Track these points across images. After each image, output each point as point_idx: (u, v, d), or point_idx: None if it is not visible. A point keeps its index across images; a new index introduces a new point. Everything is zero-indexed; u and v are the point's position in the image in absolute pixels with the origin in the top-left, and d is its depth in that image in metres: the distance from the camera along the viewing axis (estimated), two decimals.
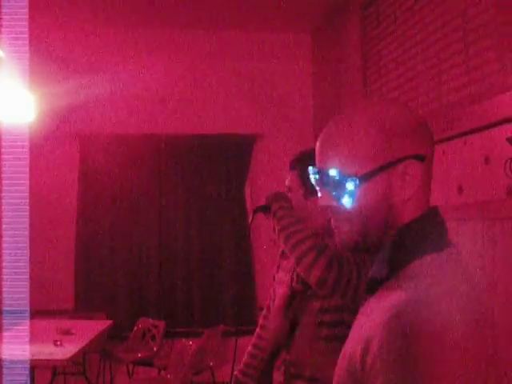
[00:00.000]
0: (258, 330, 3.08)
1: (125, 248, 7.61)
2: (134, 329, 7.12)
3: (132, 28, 7.63)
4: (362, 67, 5.94)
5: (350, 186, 1.40)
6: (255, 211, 2.87)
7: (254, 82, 7.88)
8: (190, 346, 6.29)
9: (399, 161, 1.40)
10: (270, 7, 7.05)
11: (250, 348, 3.07)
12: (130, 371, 6.97)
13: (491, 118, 3.64)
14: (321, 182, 1.47)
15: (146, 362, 6.75)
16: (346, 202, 1.42)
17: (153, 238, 7.65)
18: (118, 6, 6.98)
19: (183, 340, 6.66)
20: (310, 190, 2.76)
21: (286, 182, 2.91)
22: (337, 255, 2.40)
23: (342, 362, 1.41)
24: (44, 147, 7.47)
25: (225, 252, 7.74)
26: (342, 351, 1.44)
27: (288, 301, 2.69)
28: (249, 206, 7.84)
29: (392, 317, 1.26)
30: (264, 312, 3.08)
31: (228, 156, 7.81)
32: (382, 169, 1.39)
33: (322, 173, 1.46)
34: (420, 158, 1.41)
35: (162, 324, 6.99)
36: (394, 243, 1.42)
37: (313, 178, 1.51)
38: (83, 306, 7.38)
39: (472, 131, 3.80)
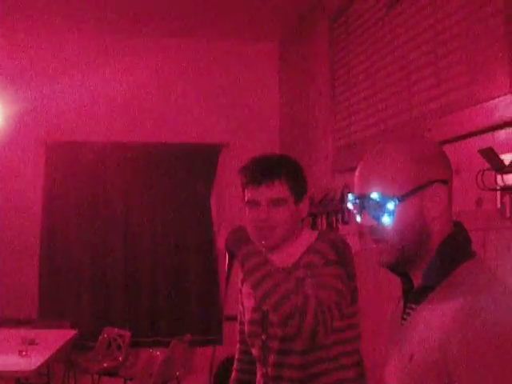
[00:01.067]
0: (238, 345, 3.11)
1: (90, 257, 7.56)
2: (99, 338, 7.06)
3: (100, 36, 7.60)
4: (330, 78, 5.95)
5: (390, 206, 1.64)
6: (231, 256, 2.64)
7: (221, 91, 7.88)
8: (157, 355, 6.26)
9: (429, 184, 1.65)
10: (238, 16, 7.06)
11: (236, 364, 3.11)
12: (96, 382, 6.91)
13: (461, 130, 3.67)
14: (361, 205, 1.71)
15: (112, 372, 6.70)
16: (386, 220, 1.65)
17: (118, 246, 7.61)
18: (85, 14, 6.95)
19: (149, 350, 6.63)
20: (300, 196, 2.73)
21: (272, 195, 2.66)
22: (318, 301, 2.36)
23: (401, 365, 1.64)
24: (9, 154, 7.40)
25: (191, 261, 7.73)
26: (396, 354, 1.69)
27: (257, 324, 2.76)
28: (214, 215, 7.83)
29: (468, 318, 1.46)
30: (238, 327, 3.08)
31: (194, 165, 7.80)
32: (415, 191, 1.65)
33: (364, 197, 1.69)
34: (444, 182, 1.67)
35: (127, 334, 6.94)
36: (439, 255, 1.65)
37: (351, 203, 1.74)
38: (48, 315, 7.31)
39: (442, 143, 3.82)
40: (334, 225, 5.61)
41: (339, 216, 5.48)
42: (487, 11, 3.46)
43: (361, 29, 5.27)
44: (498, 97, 3.34)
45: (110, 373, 6.72)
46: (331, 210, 5.67)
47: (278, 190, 2.67)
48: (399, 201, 1.64)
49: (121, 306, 7.56)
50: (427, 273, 1.65)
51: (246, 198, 2.71)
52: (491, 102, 3.40)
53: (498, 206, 3.28)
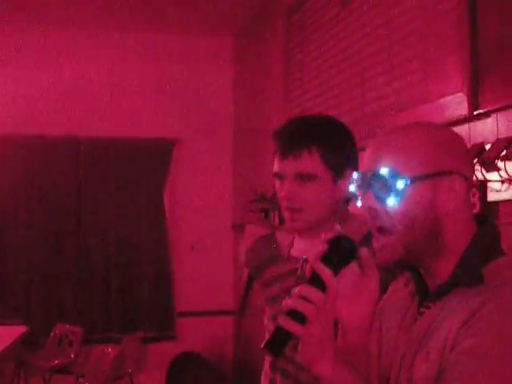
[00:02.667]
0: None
1: (41, 253, 7.47)
2: (50, 335, 6.98)
3: (50, 29, 7.50)
4: (284, 73, 5.95)
5: (399, 185, 1.45)
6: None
7: (175, 85, 7.84)
8: (109, 352, 6.21)
9: (448, 173, 1.47)
10: (192, 11, 7.03)
11: None
12: (47, 379, 6.83)
13: None
14: (367, 182, 1.51)
15: (63, 370, 6.62)
16: (392, 202, 1.47)
17: (70, 242, 7.54)
18: (37, 6, 6.85)
19: (101, 346, 6.57)
20: (340, 172, 2.17)
21: (296, 169, 2.17)
22: None
23: (418, 363, 1.46)
24: None
25: (144, 257, 7.68)
26: (419, 353, 1.48)
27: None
28: (168, 211, 7.80)
29: (490, 314, 1.34)
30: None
31: (147, 160, 7.76)
32: (431, 176, 1.46)
33: (372, 172, 1.50)
34: (465, 177, 1.49)
35: (79, 330, 6.87)
36: (469, 250, 1.48)
37: (355, 181, 1.54)
38: None
39: None
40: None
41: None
42: (440, 9, 3.49)
43: (315, 25, 5.28)
44: (451, 95, 3.37)
45: (62, 370, 6.64)
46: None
47: (307, 162, 2.15)
48: (411, 182, 1.45)
49: (73, 302, 7.49)
50: (458, 271, 1.47)
51: (273, 169, 2.24)
52: (443, 99, 3.43)
53: None
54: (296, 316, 1.40)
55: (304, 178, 2.17)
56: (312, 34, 5.36)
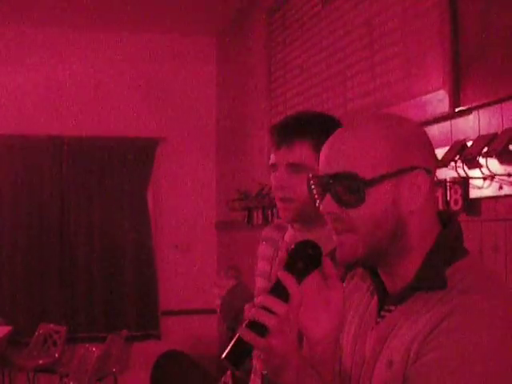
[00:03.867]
0: None
1: (25, 251, 7.44)
2: (34, 334, 6.96)
3: (34, 27, 7.47)
4: (267, 72, 5.96)
5: (358, 189, 1.40)
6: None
7: (158, 85, 7.83)
8: (93, 351, 6.20)
9: (409, 170, 1.41)
10: (175, 10, 7.02)
11: None
12: (31, 379, 6.81)
13: None
14: (324, 186, 1.46)
15: (48, 369, 6.60)
16: (352, 206, 1.41)
17: (54, 241, 7.52)
18: (20, 6, 6.82)
19: (86, 345, 6.56)
20: None
21: (289, 159, 2.25)
22: None
23: (377, 371, 1.43)
24: None
25: (127, 256, 7.68)
26: (369, 358, 1.46)
27: None
28: (151, 210, 7.80)
29: (462, 320, 1.30)
30: None
31: (130, 159, 7.75)
32: (392, 175, 1.40)
33: (329, 176, 1.44)
34: (427, 171, 1.43)
35: (63, 329, 6.86)
36: (432, 252, 1.43)
37: (313, 184, 1.50)
38: None
39: None
40: (270, 219, 5.63)
41: (275, 210, 5.50)
42: (421, 7, 3.51)
43: (297, 23, 5.29)
44: (432, 92, 3.39)
45: (46, 369, 6.62)
46: (267, 204, 5.69)
47: (298, 153, 2.24)
48: (370, 184, 1.39)
49: (57, 301, 7.46)
50: (421, 274, 1.42)
51: (269, 162, 2.32)
52: (425, 96, 3.45)
53: None
54: (257, 327, 1.34)
55: (295, 168, 2.23)
56: (294, 32, 5.37)
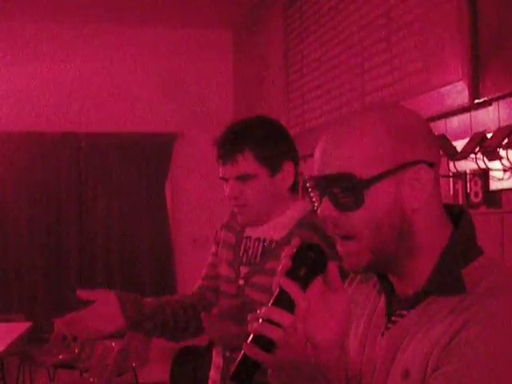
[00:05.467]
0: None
1: (43, 248, 7.47)
2: (54, 330, 6.97)
3: (50, 23, 7.48)
4: (284, 65, 5.94)
5: (357, 190, 1.30)
6: None
7: (175, 79, 7.82)
8: (113, 347, 6.20)
9: (409, 165, 1.31)
10: (191, 3, 7.00)
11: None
12: (51, 375, 6.83)
13: None
14: (322, 189, 1.36)
15: (68, 365, 6.60)
16: (352, 209, 1.32)
17: (73, 237, 7.54)
18: (34, 1, 6.83)
19: (105, 341, 6.56)
20: (275, 167, 2.41)
21: (235, 173, 2.40)
22: None
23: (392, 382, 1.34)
24: None
25: (146, 251, 7.69)
26: (381, 367, 1.38)
27: None
28: (169, 204, 7.80)
29: (487, 325, 1.22)
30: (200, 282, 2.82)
31: (148, 155, 7.76)
32: (392, 172, 1.30)
33: (325, 178, 1.34)
34: (430, 165, 1.33)
35: None
36: (447, 252, 1.34)
37: (310, 186, 1.41)
38: (0, 308, 7.20)
39: None
40: None
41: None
42: None
43: (315, 16, 5.27)
44: (451, 83, 3.36)
45: (66, 365, 6.63)
46: None
47: (243, 165, 2.38)
48: (368, 184, 1.29)
49: (76, 297, 7.46)
50: (436, 277, 1.33)
51: (219, 174, 2.49)
52: (444, 88, 3.42)
53: (451, 192, 3.30)
54: (263, 342, 1.25)
55: (243, 178, 2.39)
56: (311, 25, 5.34)
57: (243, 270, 2.49)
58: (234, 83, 7.97)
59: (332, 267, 1.33)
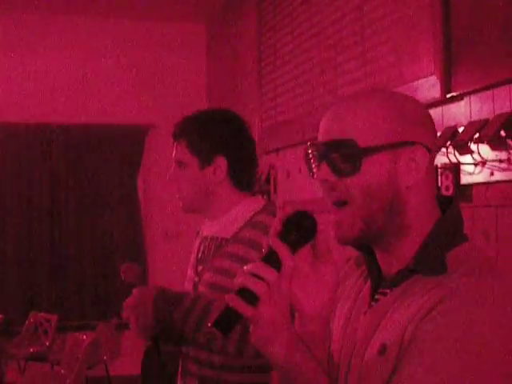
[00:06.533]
0: None
1: (15, 240, 7.42)
2: (25, 323, 6.95)
3: (22, 13, 7.42)
4: (257, 59, 5.94)
5: (356, 157, 1.36)
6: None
7: (147, 72, 7.80)
8: (84, 339, 6.18)
9: (409, 144, 1.38)
10: None
11: None
12: (22, 367, 6.80)
13: None
14: (322, 154, 1.41)
15: (39, 357, 6.60)
16: (349, 174, 1.37)
17: (44, 230, 7.50)
18: None
19: (76, 334, 6.54)
20: (205, 159, 2.43)
21: (174, 156, 2.48)
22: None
23: (368, 357, 1.37)
24: None
25: (117, 244, 7.66)
26: (359, 343, 1.42)
27: None
28: (141, 196, 7.78)
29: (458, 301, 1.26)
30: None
31: (120, 147, 7.74)
32: (391, 146, 1.37)
33: (326, 144, 1.41)
34: (428, 149, 1.40)
35: (54, 317, 6.84)
36: (432, 235, 1.39)
37: (311, 153, 1.45)
38: None
39: None
40: None
41: (265, 197, 5.48)
42: None
43: (288, 9, 5.27)
44: (423, 77, 3.38)
45: (37, 358, 6.62)
46: (257, 190, 5.67)
47: (179, 151, 2.47)
48: (367, 152, 1.36)
49: (47, 289, 7.45)
50: (420, 257, 1.38)
51: None
52: (416, 82, 3.44)
53: None
54: (247, 295, 1.28)
55: (178, 164, 2.47)
56: (285, 18, 5.34)
57: (199, 268, 2.50)
58: (207, 76, 7.96)
59: (322, 237, 1.39)
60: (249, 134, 2.56)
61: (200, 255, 2.54)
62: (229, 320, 1.30)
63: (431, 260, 1.36)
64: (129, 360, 6.67)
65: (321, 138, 1.44)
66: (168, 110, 7.73)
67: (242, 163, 2.49)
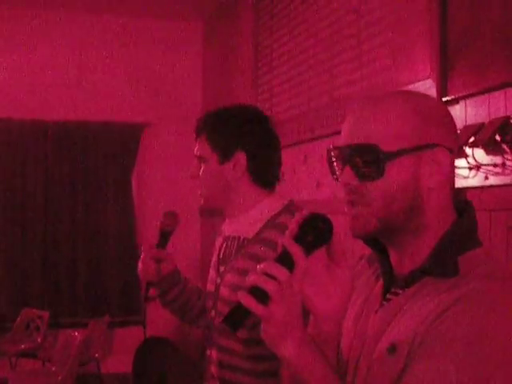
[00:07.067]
0: None
1: (7, 236, 7.41)
2: (17, 320, 6.93)
3: (19, 10, 7.41)
4: (253, 58, 5.94)
5: (379, 161, 1.37)
6: (148, 285, 2.78)
7: (144, 69, 7.79)
8: (75, 336, 6.17)
9: (431, 146, 1.39)
10: None
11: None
12: (13, 363, 6.78)
13: None
14: (345, 158, 1.43)
15: (30, 354, 6.58)
16: (372, 179, 1.39)
17: (37, 226, 7.48)
18: None
19: (68, 331, 6.53)
20: (224, 154, 2.40)
21: (196, 152, 2.46)
22: None
23: (377, 356, 1.39)
24: None
25: (111, 241, 7.65)
26: (368, 343, 1.44)
27: None
28: (135, 195, 7.77)
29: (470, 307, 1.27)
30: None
31: (115, 144, 7.72)
32: (414, 149, 1.38)
33: (350, 148, 1.41)
34: (449, 150, 1.41)
35: (46, 314, 6.83)
36: (446, 238, 1.40)
37: (334, 155, 1.46)
38: None
39: None
40: None
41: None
42: None
43: (286, 9, 5.27)
44: (419, 81, 3.38)
45: (28, 354, 6.60)
46: None
47: (200, 146, 2.45)
48: (391, 157, 1.36)
49: (39, 286, 7.44)
50: (434, 259, 1.39)
51: None
52: (412, 85, 3.44)
53: None
54: (258, 293, 1.30)
55: (200, 159, 2.46)
56: (282, 19, 5.35)
57: (221, 268, 2.49)
58: (203, 74, 7.96)
59: (337, 239, 1.42)
60: (272, 131, 2.49)
61: (222, 255, 2.52)
62: (239, 316, 1.33)
63: (444, 262, 1.38)
64: (120, 358, 6.68)
65: (344, 140, 1.44)
66: (164, 108, 7.76)
67: (263, 159, 2.44)
